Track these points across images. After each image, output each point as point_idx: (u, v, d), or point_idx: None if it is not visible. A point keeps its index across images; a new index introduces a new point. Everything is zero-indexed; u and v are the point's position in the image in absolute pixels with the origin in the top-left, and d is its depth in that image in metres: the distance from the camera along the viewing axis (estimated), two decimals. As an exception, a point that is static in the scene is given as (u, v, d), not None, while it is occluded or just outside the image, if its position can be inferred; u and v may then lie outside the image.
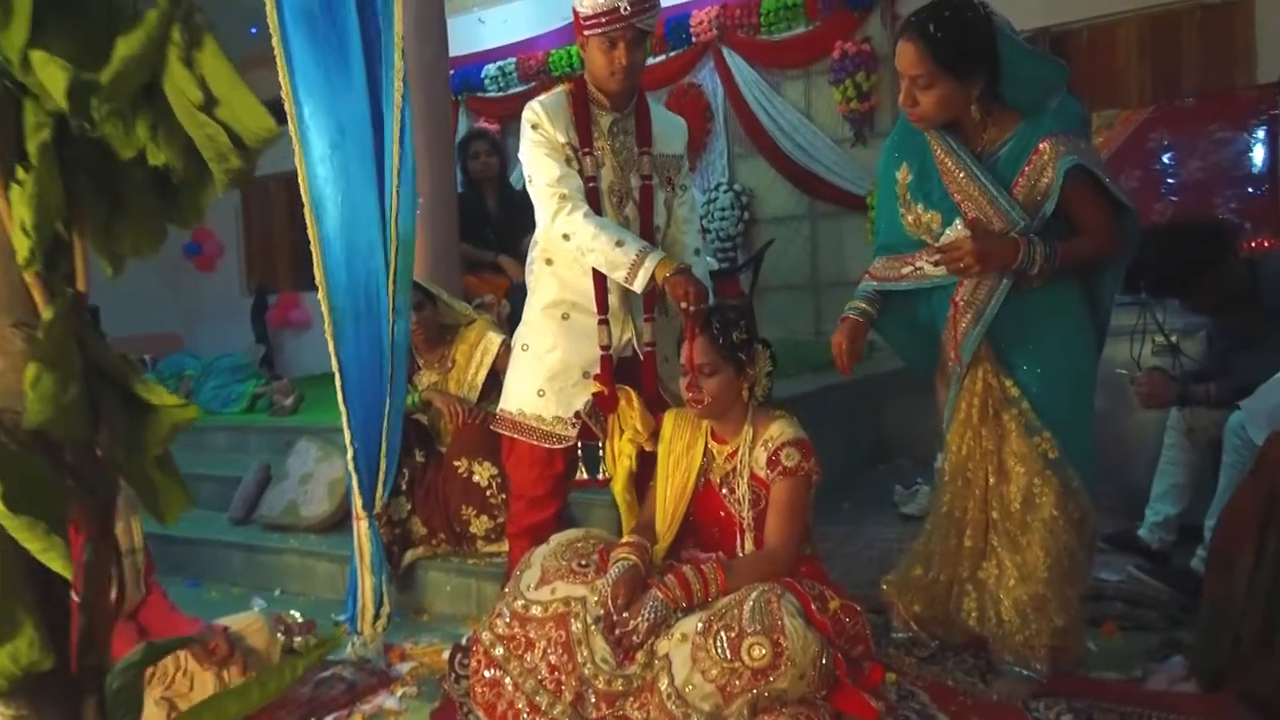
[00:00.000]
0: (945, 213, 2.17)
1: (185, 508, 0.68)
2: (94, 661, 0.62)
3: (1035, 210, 2.08)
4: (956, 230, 2.07)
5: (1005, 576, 2.22)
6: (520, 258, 4.37)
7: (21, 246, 0.57)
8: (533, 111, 2.38)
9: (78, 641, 0.61)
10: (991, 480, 2.23)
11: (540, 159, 2.35)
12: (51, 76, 0.54)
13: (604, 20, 2.26)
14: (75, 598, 0.60)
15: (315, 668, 2.66)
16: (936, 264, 2.13)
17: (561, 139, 2.36)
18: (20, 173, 0.57)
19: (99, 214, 0.62)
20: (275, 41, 2.56)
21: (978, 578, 2.30)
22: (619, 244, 2.25)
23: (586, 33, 2.32)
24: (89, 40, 0.56)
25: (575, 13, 2.34)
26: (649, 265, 2.23)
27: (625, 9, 2.24)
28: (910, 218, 2.27)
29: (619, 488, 2.43)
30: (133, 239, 0.63)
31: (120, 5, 0.59)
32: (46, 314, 0.58)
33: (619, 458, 2.41)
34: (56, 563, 0.54)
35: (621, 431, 2.40)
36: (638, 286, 2.26)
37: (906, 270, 2.29)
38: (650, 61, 2.44)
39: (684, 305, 2.19)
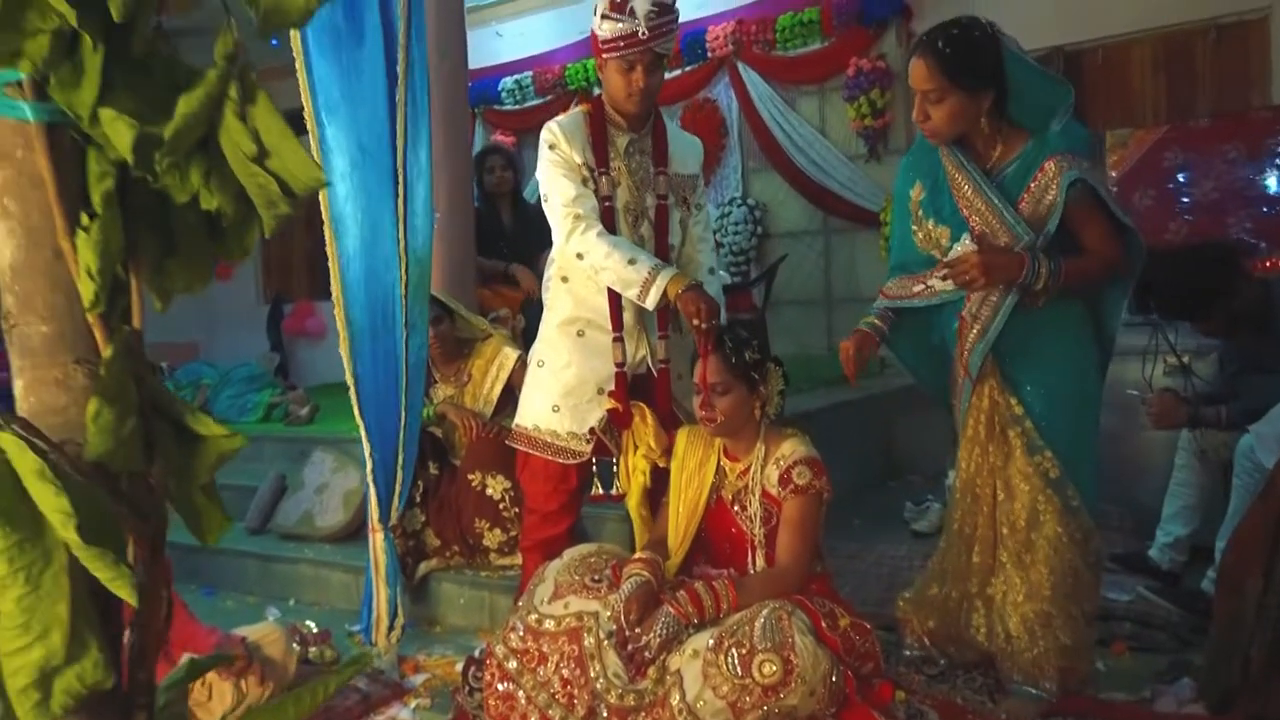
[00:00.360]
0: (954, 228, 2.23)
1: (225, 530, 0.72)
2: (144, 677, 0.65)
3: (1040, 226, 2.13)
4: (964, 245, 2.13)
5: (1013, 592, 2.25)
6: (534, 268, 4.44)
7: (87, 290, 0.61)
8: (550, 132, 2.42)
9: (129, 659, 0.64)
10: (1000, 496, 2.27)
11: (556, 179, 2.39)
12: (119, 132, 0.58)
13: (621, 44, 2.30)
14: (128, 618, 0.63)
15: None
16: (944, 278, 2.18)
17: (578, 159, 2.39)
18: (85, 220, 0.61)
19: (153, 254, 0.65)
20: (299, 61, 2.60)
21: (986, 594, 2.34)
22: (631, 262, 2.28)
23: (605, 55, 2.35)
24: (151, 96, 0.60)
25: (593, 35, 2.38)
26: (661, 282, 2.26)
27: (643, 34, 2.28)
28: (921, 234, 2.33)
29: (633, 503, 2.46)
30: (184, 277, 0.67)
31: (179, 63, 0.63)
32: (106, 352, 0.62)
33: (633, 474, 2.44)
34: (124, 591, 0.58)
35: (636, 448, 2.43)
36: (650, 304, 2.29)
37: (918, 289, 2.34)
38: (666, 76, 2.48)
39: (695, 322, 2.22)
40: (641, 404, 2.43)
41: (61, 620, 0.56)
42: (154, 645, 0.65)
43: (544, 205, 2.43)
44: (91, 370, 0.63)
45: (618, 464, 2.49)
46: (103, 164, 0.62)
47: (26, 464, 0.55)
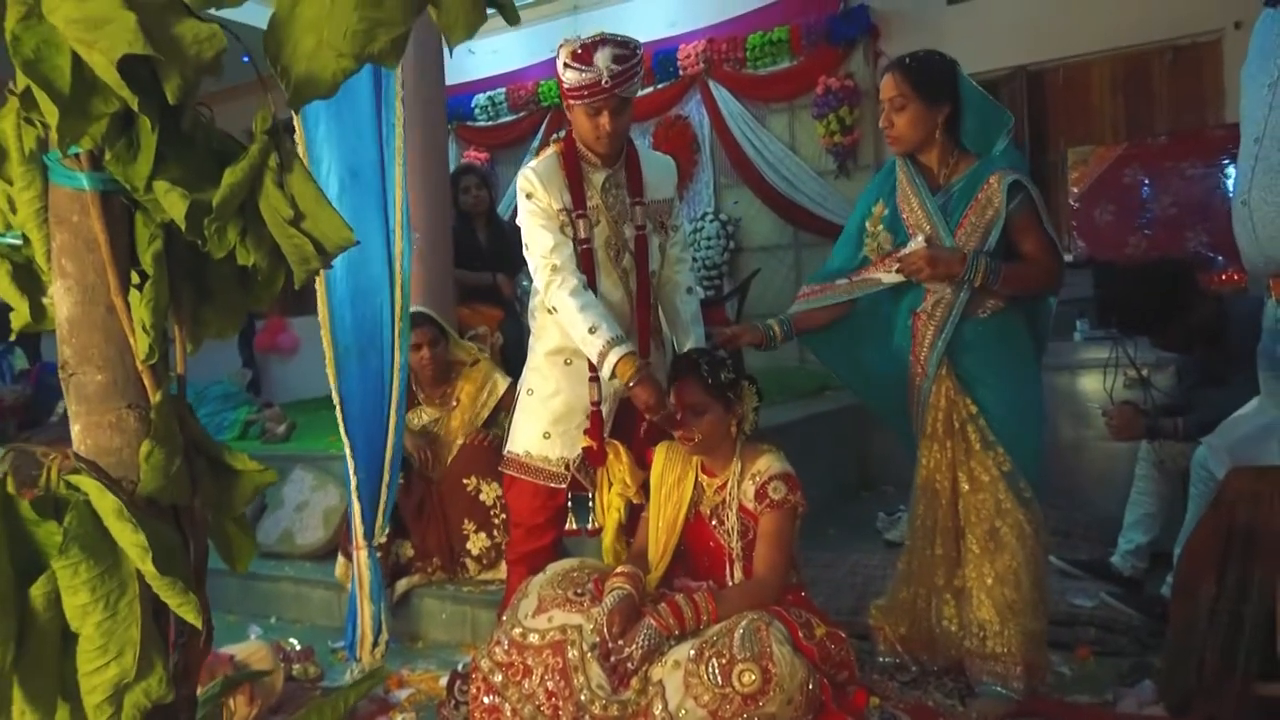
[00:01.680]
0: (901, 236, 2.48)
1: (253, 557, 0.77)
2: (187, 692, 0.71)
3: (985, 234, 2.36)
4: (916, 242, 2.39)
5: (984, 577, 2.39)
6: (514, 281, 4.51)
7: (142, 344, 0.66)
8: (526, 180, 2.43)
9: (174, 675, 0.70)
10: (965, 488, 2.43)
11: (535, 229, 2.40)
12: (173, 203, 0.64)
13: (586, 93, 2.31)
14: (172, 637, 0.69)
15: (314, 696, 2.73)
16: (896, 271, 2.44)
17: (556, 205, 2.40)
18: (136, 279, 0.67)
19: (190, 304, 0.71)
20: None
21: (954, 585, 2.47)
22: (592, 330, 2.30)
23: (570, 100, 2.37)
24: (196, 165, 0.66)
25: (559, 78, 2.40)
26: (612, 359, 2.28)
27: (606, 81, 2.28)
28: (873, 244, 2.55)
29: (608, 540, 2.48)
30: (218, 324, 0.73)
31: (217, 131, 0.69)
32: (155, 397, 0.68)
33: (608, 510, 2.47)
34: (191, 615, 0.64)
35: (610, 484, 2.47)
36: (604, 375, 2.33)
37: (842, 283, 2.57)
38: (638, 94, 2.51)
39: (645, 414, 2.29)
40: (616, 442, 2.46)
41: (134, 642, 0.62)
42: (197, 663, 0.71)
43: (525, 252, 2.45)
44: (142, 414, 0.68)
45: (593, 500, 2.53)
46: (151, 226, 0.68)
47: (106, 504, 0.61)
